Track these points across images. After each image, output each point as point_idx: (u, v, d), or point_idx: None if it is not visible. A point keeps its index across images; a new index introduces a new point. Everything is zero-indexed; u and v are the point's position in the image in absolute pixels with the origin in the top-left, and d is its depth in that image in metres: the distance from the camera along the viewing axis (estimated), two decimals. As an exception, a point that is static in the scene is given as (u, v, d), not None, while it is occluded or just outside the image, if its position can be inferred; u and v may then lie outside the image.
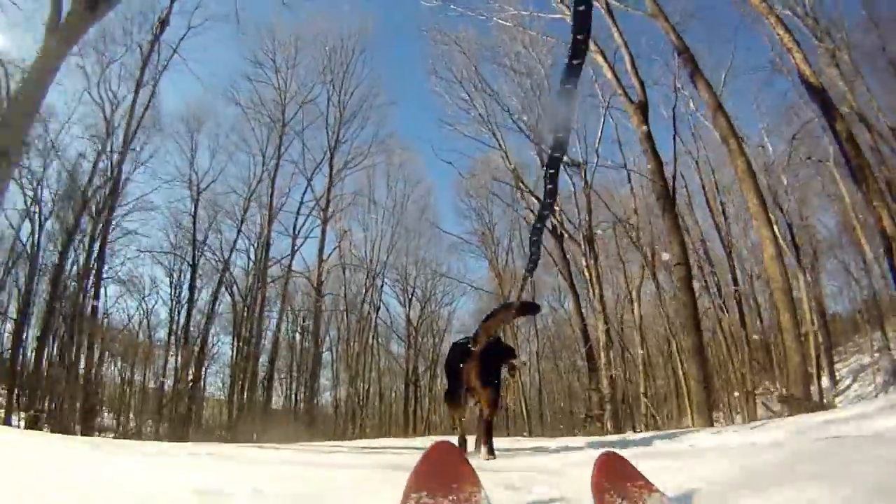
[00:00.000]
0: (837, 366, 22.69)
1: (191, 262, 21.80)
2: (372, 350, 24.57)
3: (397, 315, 28.11)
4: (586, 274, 14.75)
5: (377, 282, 24.79)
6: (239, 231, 21.74)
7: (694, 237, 19.74)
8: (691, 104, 17.09)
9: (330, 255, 21.36)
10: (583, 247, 14.90)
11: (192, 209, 22.44)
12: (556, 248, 16.68)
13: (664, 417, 19.41)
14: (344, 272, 23.62)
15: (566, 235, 15.82)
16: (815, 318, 19.92)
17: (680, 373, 19.01)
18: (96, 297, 17.88)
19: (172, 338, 22.39)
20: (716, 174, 21.36)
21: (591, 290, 14.48)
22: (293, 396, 24.86)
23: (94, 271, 17.71)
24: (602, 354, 13.94)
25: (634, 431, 12.88)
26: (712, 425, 9.90)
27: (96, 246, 21.10)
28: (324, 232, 19.55)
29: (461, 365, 3.92)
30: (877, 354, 21.96)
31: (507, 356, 4.20)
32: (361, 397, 23.19)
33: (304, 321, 28.60)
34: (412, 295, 26.99)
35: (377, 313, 24.56)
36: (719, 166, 21.90)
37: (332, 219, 20.30)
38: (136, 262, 22.67)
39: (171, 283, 23.01)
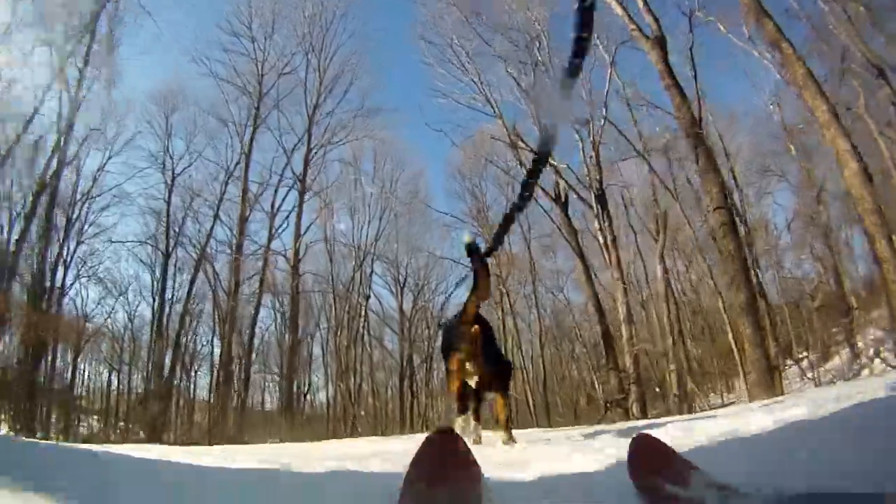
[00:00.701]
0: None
1: (164, 252, 19.52)
2: (362, 340, 22.29)
3: (390, 308, 25.98)
4: (599, 238, 12.70)
5: (366, 268, 22.55)
6: (216, 216, 19.49)
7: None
8: (720, 27, 14.80)
9: (308, 228, 18.97)
10: (594, 208, 12.87)
11: (166, 195, 20.27)
12: (561, 215, 14.60)
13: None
14: (331, 260, 21.40)
15: (575, 197, 13.72)
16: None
17: (683, 354, 17.11)
18: (42, 288, 15.47)
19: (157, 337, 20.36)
20: (723, 140, 19.64)
21: (605, 257, 12.41)
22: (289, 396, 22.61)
23: (38, 259, 15.29)
24: (623, 329, 11.86)
25: (694, 410, 10.85)
26: (777, 394, 7.89)
27: (64, 238, 19.25)
28: (301, 204, 17.23)
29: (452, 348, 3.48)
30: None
31: (504, 370, 3.69)
32: (353, 393, 20.88)
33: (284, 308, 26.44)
34: (404, 284, 24.83)
35: (367, 301, 22.30)
36: (725, 133, 20.25)
37: (313, 193, 17.97)
38: (114, 259, 20.82)
39: (151, 279, 20.91)
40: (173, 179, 20.40)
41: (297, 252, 16.42)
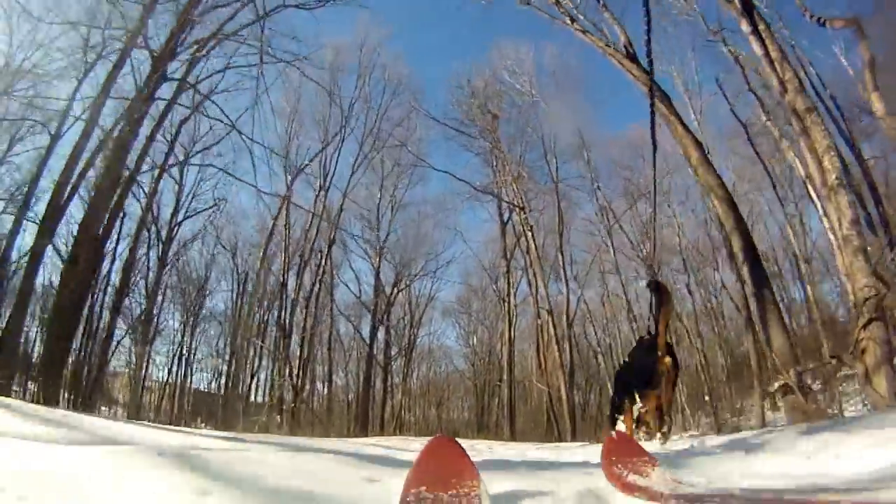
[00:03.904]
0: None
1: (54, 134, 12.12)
2: (318, 300, 14.92)
3: (367, 286, 18.75)
4: (756, 48, 5.95)
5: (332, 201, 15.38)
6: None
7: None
8: None
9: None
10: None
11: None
12: (642, 77, 8.02)
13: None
14: (290, 186, 14.15)
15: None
16: None
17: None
18: None
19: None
20: None
21: (775, 74, 5.69)
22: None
23: None
24: (842, 204, 4.85)
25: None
26: None
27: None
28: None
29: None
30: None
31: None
32: (297, 376, 13.44)
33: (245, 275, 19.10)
34: (383, 245, 17.62)
35: (330, 249, 15.02)
36: None
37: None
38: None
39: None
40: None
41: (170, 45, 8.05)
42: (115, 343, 13.02)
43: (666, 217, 18.76)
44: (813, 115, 5.45)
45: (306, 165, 14.78)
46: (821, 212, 6.43)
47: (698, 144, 7.34)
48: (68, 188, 6.86)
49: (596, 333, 21.61)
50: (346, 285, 19.01)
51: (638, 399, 3.23)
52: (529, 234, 13.45)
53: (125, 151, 7.46)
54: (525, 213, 13.71)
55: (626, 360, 3.54)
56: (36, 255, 6.59)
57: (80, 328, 15.17)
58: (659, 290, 3.17)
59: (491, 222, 19.04)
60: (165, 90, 10.25)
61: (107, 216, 7.86)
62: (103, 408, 17.70)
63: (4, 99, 13.71)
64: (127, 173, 8.41)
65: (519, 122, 16.06)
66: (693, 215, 18.12)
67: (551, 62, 17.41)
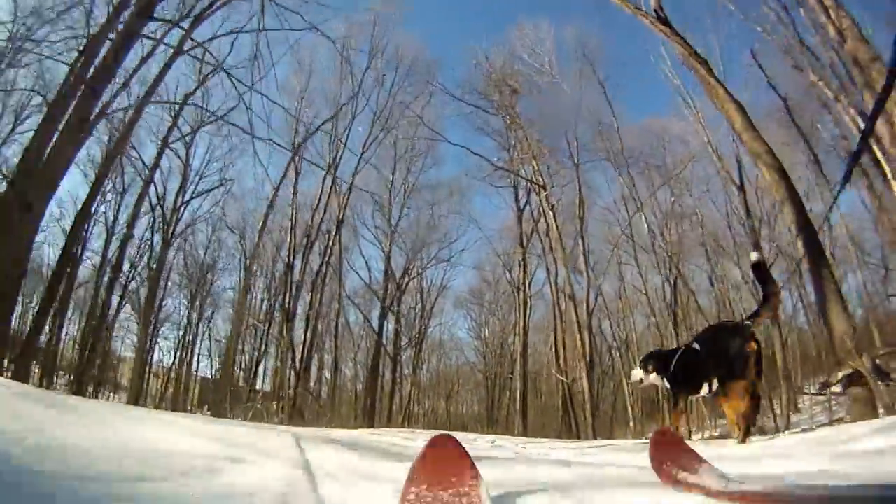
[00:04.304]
0: None
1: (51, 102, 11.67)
2: (324, 282, 14.26)
3: (377, 272, 18.08)
4: None
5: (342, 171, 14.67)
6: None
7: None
8: None
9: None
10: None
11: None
12: (676, 41, 7.23)
13: None
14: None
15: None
16: None
17: None
18: None
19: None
20: None
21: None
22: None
23: None
24: None
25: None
26: None
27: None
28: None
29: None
30: None
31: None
32: (300, 362, 12.79)
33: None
34: (395, 228, 16.92)
35: (338, 227, 14.30)
36: None
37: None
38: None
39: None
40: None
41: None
42: (109, 318, 12.51)
43: (686, 206, 17.90)
44: (878, 64, 4.67)
45: (318, 129, 14.21)
46: (889, 174, 5.68)
47: (741, 109, 6.53)
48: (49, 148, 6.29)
49: (612, 327, 20.81)
50: (357, 272, 18.43)
51: (721, 390, 2.97)
52: (550, 213, 12.66)
53: (92, 89, 6.81)
54: (546, 191, 12.91)
55: (695, 345, 3.20)
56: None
57: (85, 309, 14.83)
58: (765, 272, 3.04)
59: (506, 209, 18.34)
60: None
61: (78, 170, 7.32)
62: (108, 392, 17.31)
63: (10, 73, 13.33)
64: (118, 141, 7.82)
65: (538, 102, 15.33)
66: (714, 207, 17.35)
67: (571, 40, 16.65)
